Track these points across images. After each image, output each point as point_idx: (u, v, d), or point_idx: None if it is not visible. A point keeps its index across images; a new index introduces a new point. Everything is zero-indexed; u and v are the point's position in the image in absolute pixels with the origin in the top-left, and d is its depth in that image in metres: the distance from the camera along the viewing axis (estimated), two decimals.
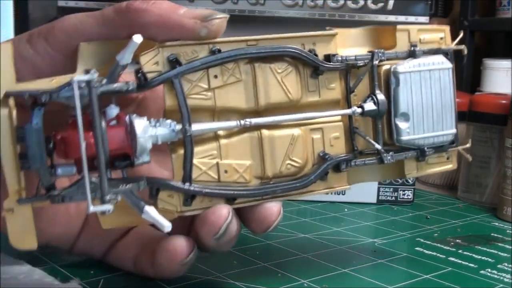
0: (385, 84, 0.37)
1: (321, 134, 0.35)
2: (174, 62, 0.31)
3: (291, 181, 0.35)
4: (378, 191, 0.61)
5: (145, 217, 0.30)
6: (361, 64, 0.36)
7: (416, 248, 0.46)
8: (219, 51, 0.32)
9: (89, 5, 0.59)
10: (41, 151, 0.29)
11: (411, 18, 0.60)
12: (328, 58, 0.35)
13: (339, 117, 0.36)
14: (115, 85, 0.30)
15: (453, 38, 0.39)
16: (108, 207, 0.29)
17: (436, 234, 0.51)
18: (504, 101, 0.62)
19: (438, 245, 0.47)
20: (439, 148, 0.38)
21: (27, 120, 0.29)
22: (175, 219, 0.32)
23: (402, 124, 0.37)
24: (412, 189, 0.62)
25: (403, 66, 0.36)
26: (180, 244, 0.33)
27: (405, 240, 0.49)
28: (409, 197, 0.62)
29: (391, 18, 0.60)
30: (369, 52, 0.36)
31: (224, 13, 0.32)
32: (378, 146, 0.36)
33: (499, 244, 0.49)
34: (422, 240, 0.49)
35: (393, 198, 0.62)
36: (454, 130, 0.38)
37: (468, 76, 1.10)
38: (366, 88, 0.37)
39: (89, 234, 0.38)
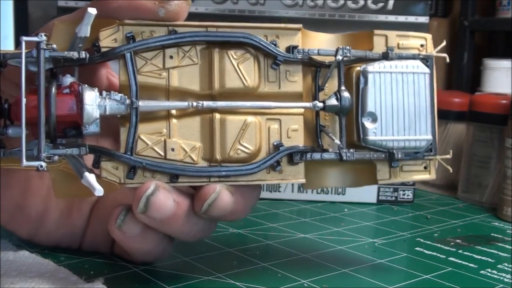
0: (357, 86, 0.36)
1: (279, 125, 0.35)
2: (130, 39, 0.32)
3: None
4: (378, 191, 0.61)
5: (84, 182, 0.30)
6: (328, 63, 0.35)
7: (416, 248, 0.46)
8: (175, 32, 0.33)
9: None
10: None
11: (411, 18, 0.60)
12: (289, 50, 0.35)
13: (300, 110, 0.35)
14: (66, 52, 0.31)
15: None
16: (40, 163, 0.30)
17: (436, 234, 0.51)
18: (504, 101, 0.62)
19: (438, 245, 0.47)
20: (414, 155, 0.36)
21: None
22: None
23: (368, 124, 0.36)
24: (412, 189, 0.62)
25: (373, 66, 0.36)
26: (116, 208, 0.34)
27: (405, 240, 0.49)
28: (409, 197, 0.62)
29: (391, 18, 0.60)
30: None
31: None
32: (337, 141, 0.35)
33: (499, 244, 0.49)
34: (422, 240, 0.49)
35: (393, 198, 0.62)
36: (429, 137, 0.36)
37: (468, 76, 1.10)
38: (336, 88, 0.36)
39: (92, 232, 0.40)
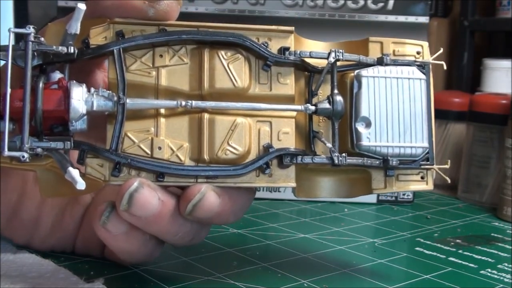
0: (351, 91, 0.35)
1: (269, 127, 0.34)
2: (119, 35, 0.32)
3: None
4: None
5: (67, 177, 0.30)
6: (321, 68, 0.35)
7: (416, 248, 0.46)
8: (165, 30, 0.33)
9: None
10: None
11: (411, 18, 0.60)
12: (281, 51, 0.34)
13: (292, 114, 0.35)
14: (54, 46, 0.31)
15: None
16: (22, 153, 0.30)
17: (436, 234, 0.51)
18: (504, 101, 0.62)
19: (438, 245, 0.48)
20: (410, 164, 0.35)
21: None
22: None
23: (362, 129, 0.35)
24: None
25: (367, 71, 0.35)
26: (101, 205, 0.33)
27: (405, 240, 0.49)
28: (409, 197, 0.62)
29: (391, 18, 0.60)
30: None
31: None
32: (329, 145, 0.34)
33: (499, 244, 0.49)
34: (422, 240, 0.49)
35: (393, 198, 0.62)
36: (425, 144, 0.35)
37: (468, 76, 1.10)
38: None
39: (84, 236, 0.40)
